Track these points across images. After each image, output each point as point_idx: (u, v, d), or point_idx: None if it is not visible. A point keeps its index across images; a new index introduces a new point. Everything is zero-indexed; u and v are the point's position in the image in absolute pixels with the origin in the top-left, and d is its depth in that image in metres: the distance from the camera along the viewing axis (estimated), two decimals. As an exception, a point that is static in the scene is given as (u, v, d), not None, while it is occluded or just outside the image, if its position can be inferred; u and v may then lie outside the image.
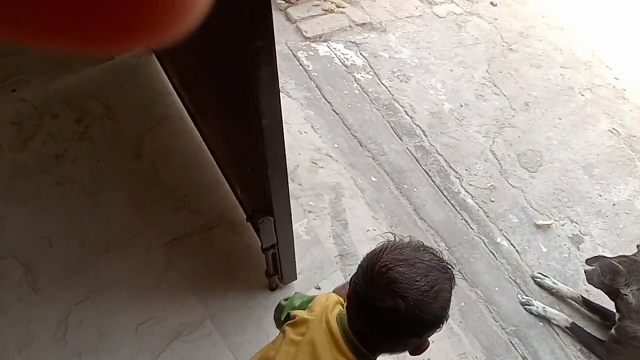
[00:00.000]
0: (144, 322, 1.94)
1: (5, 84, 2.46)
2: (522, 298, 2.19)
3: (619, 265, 1.96)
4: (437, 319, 0.98)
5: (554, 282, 2.24)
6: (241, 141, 1.62)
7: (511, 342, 2.08)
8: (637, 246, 2.09)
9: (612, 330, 2.01)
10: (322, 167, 2.42)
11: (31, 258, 2.05)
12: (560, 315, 2.14)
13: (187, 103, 2.24)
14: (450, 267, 1.02)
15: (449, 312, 1.01)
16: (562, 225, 2.48)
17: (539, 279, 2.24)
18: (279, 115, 1.32)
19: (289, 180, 2.31)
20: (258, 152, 1.40)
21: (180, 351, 1.89)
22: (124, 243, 2.09)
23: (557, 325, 2.13)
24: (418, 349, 1.08)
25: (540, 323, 2.14)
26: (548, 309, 2.15)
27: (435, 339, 1.99)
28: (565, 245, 2.43)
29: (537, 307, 2.14)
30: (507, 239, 2.41)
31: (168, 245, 2.09)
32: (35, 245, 2.07)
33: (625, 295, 1.94)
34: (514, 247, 2.38)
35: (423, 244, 1.04)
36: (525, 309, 2.17)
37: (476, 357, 1.99)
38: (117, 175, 2.23)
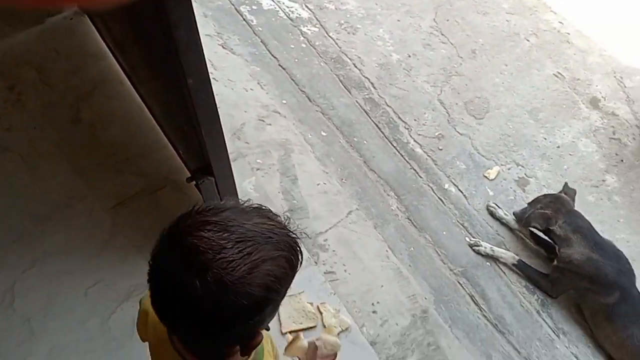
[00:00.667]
0: (92, 285, 1.92)
1: None
2: (470, 240, 2.26)
3: (547, 212, 2.14)
4: (254, 303, 0.73)
5: (505, 214, 2.36)
6: (173, 102, 1.59)
7: (459, 283, 2.14)
8: (565, 184, 2.27)
9: (554, 262, 2.13)
10: (270, 124, 2.40)
11: (-29, 230, 2.00)
12: (507, 253, 2.22)
13: (123, 65, 2.17)
14: (292, 238, 0.80)
15: (281, 295, 0.79)
16: (509, 169, 2.54)
17: (492, 208, 2.35)
18: (204, 73, 1.28)
19: (236, 139, 2.31)
20: (189, 112, 1.37)
21: (132, 312, 1.87)
22: (66, 209, 2.05)
23: (505, 264, 2.21)
24: (246, 347, 0.83)
25: (487, 263, 2.20)
26: (495, 248, 2.22)
27: (385, 283, 2.04)
28: (511, 188, 2.49)
29: (485, 248, 2.22)
30: (454, 185, 2.45)
31: (113, 209, 2.05)
32: (-26, 217, 2.02)
33: (554, 229, 2.13)
34: (461, 192, 2.42)
35: (260, 207, 0.81)
36: (473, 249, 2.23)
37: (425, 298, 2.04)
38: (55, 141, 2.17)
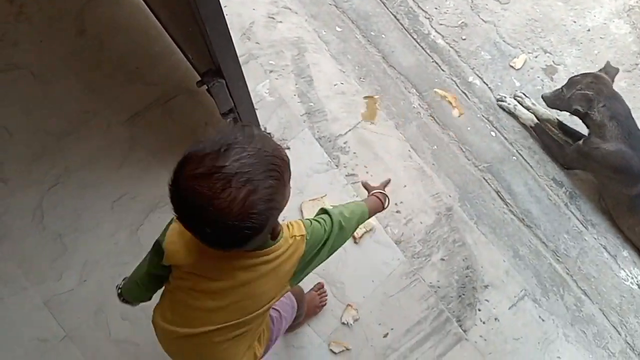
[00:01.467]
0: (118, 198, 1.94)
1: None
2: (497, 95, 2.27)
3: (589, 93, 2.01)
4: (257, 224, 0.88)
5: (532, 103, 2.29)
6: (177, 1, 1.49)
7: (484, 179, 2.10)
8: (607, 62, 2.13)
9: (580, 142, 2.08)
10: (280, 22, 2.28)
11: (-8, 150, 2.00)
12: (528, 114, 2.22)
13: (123, -34, 2.04)
14: (276, 154, 0.91)
15: (281, 204, 0.92)
16: (536, 57, 2.40)
17: (519, 98, 2.27)
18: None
19: (245, 39, 2.20)
20: (192, 9, 1.29)
21: (159, 222, 1.90)
22: (83, 124, 2.03)
23: (523, 124, 2.23)
24: (272, 234, 1.01)
25: (514, 157, 2.15)
26: (519, 106, 2.23)
27: (408, 183, 2.02)
28: (538, 77, 2.37)
29: (509, 104, 2.23)
30: (479, 77, 2.34)
31: (128, 121, 2.03)
32: (-7, 137, 2.02)
33: (592, 113, 2.03)
34: (486, 84, 2.32)
35: (235, 138, 0.89)
36: (498, 104, 2.26)
37: (449, 196, 2.02)
38: (62, 55, 2.10)
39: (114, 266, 1.86)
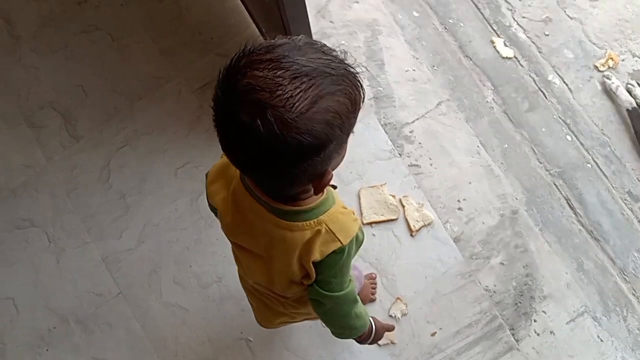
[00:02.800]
0: (182, 166, 1.98)
1: None
2: (603, 73, 2.19)
3: None
4: (316, 140, 0.72)
5: None
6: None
7: (555, 184, 2.00)
8: None
9: None
10: (357, 2, 2.22)
11: (68, 107, 2.08)
12: (627, 96, 2.11)
13: None
14: (351, 72, 0.76)
15: (344, 131, 0.76)
16: (623, 60, 2.25)
17: (631, 85, 2.15)
18: None
19: (320, 17, 2.18)
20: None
21: (219, 194, 1.94)
22: (155, 89, 2.07)
23: (620, 105, 2.12)
24: (317, 186, 0.84)
25: (588, 165, 2.03)
26: (621, 87, 2.12)
27: (473, 180, 1.95)
28: (624, 81, 2.22)
29: (613, 83, 2.13)
30: (559, 76, 2.22)
31: (198, 90, 2.05)
32: (70, 95, 2.09)
33: None
34: (566, 84, 2.20)
35: (314, 42, 0.77)
36: (603, 81, 2.17)
37: (516, 199, 1.94)
38: (141, 18, 2.14)
39: (172, 231, 1.90)
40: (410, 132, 2.01)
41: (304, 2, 1.38)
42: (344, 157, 0.86)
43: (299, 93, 0.69)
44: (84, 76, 2.10)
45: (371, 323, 1.24)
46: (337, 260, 0.96)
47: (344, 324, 1.13)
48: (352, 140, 0.83)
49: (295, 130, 0.69)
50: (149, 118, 2.04)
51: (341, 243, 0.93)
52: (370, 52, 2.14)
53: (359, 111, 0.79)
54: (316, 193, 0.88)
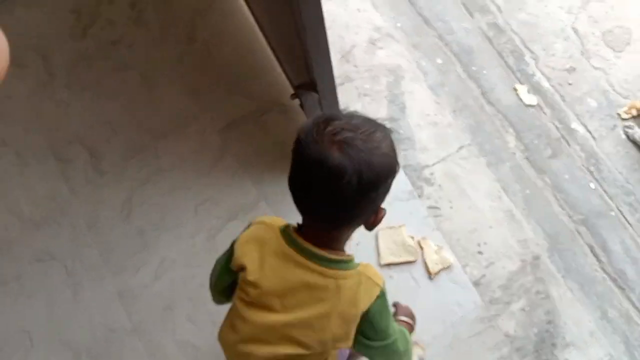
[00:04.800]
0: (202, 203, 2.00)
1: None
2: (625, 122, 2.16)
3: None
4: (386, 168, 0.91)
5: None
6: (282, 13, 1.53)
7: (578, 231, 1.96)
8: None
9: None
10: (381, 48, 2.27)
11: (95, 143, 2.13)
12: None
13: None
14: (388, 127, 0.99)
15: (393, 175, 0.95)
16: (649, 109, 2.23)
17: None
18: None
19: (344, 62, 2.22)
20: (295, 18, 1.31)
21: (237, 231, 1.89)
22: (180, 128, 2.12)
23: None
24: (375, 218, 0.99)
25: (612, 213, 1.99)
26: None
27: (493, 225, 1.92)
28: (650, 131, 2.20)
29: (636, 132, 2.11)
30: (583, 124, 2.21)
31: (223, 130, 2.09)
32: (98, 131, 2.15)
33: None
34: (590, 133, 2.18)
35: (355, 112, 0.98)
36: (624, 129, 2.14)
37: (538, 244, 1.90)
38: (171, 59, 2.22)
39: (188, 267, 1.90)
40: (430, 174, 2.00)
41: (328, 46, 1.41)
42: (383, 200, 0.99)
43: (374, 131, 0.90)
44: (112, 113, 2.17)
45: None
46: (383, 304, 1.03)
47: None
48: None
49: (379, 154, 0.89)
50: (173, 156, 2.08)
51: (380, 286, 1.02)
52: (392, 96, 2.17)
53: (395, 173, 0.97)
54: (370, 229, 1.01)
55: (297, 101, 1.66)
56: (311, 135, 0.88)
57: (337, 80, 1.65)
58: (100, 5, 2.38)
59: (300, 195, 0.95)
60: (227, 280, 1.15)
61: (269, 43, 2.03)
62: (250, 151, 2.05)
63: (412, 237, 1.84)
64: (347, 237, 1.02)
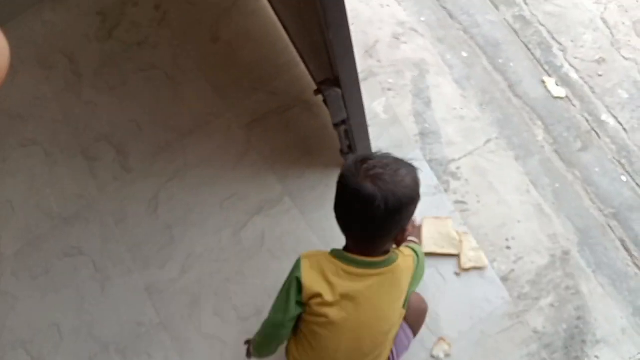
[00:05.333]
0: (227, 198, 2.01)
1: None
2: None
3: None
4: (411, 196, 1.16)
5: None
6: (305, 8, 1.53)
7: (609, 225, 1.91)
8: None
9: None
10: (405, 43, 2.26)
11: (122, 141, 2.17)
12: None
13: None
14: (412, 166, 1.23)
15: (417, 202, 1.20)
16: (683, 99, 2.17)
17: None
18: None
19: (368, 57, 2.21)
20: (319, 16, 1.30)
21: (262, 225, 1.95)
22: (205, 125, 2.14)
23: None
24: (402, 235, 1.23)
25: (646, 206, 1.94)
26: None
27: (522, 219, 1.89)
28: (684, 122, 2.13)
29: None
30: (613, 116, 2.15)
31: (247, 126, 2.10)
32: (125, 129, 2.18)
33: None
34: (621, 124, 2.12)
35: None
36: None
37: (568, 239, 1.85)
38: (196, 59, 2.24)
39: (214, 262, 1.91)
40: (456, 168, 1.98)
41: (351, 42, 1.41)
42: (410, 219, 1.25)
43: (400, 168, 1.17)
44: (138, 112, 2.20)
45: None
46: (419, 261, 1.43)
47: None
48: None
49: (400, 187, 1.14)
50: (198, 152, 2.10)
51: (412, 255, 1.38)
52: (417, 90, 2.14)
53: (419, 195, 1.22)
54: (399, 244, 1.27)
55: (320, 97, 1.65)
56: (351, 171, 1.15)
57: (361, 76, 1.63)
58: (125, 8, 2.42)
59: (343, 218, 1.21)
60: (295, 314, 1.30)
61: (292, 40, 2.03)
62: (274, 147, 2.05)
63: (457, 231, 1.82)
64: (384, 248, 1.26)
